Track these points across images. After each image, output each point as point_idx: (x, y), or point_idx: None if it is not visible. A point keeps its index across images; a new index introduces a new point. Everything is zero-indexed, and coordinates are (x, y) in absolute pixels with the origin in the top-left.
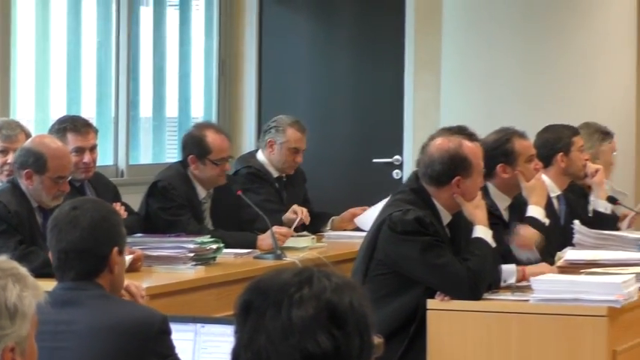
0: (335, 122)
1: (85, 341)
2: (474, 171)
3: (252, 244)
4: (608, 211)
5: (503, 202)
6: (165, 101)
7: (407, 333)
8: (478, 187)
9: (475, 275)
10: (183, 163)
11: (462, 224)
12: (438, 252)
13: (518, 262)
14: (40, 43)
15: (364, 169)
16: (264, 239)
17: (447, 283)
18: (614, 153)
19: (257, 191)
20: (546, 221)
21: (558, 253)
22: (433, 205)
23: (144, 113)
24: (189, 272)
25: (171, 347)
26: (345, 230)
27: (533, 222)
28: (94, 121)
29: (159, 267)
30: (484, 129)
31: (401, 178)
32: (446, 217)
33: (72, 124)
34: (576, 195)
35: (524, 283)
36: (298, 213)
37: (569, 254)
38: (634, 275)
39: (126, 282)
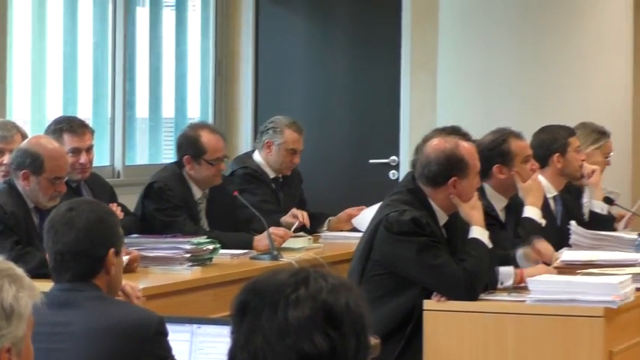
0: (331, 123)
1: (81, 343)
2: (471, 172)
3: (248, 245)
4: (605, 212)
5: (499, 203)
6: (162, 102)
7: (403, 334)
8: (474, 187)
9: (471, 276)
10: (178, 164)
11: (458, 225)
12: (435, 253)
13: (516, 265)
14: (37, 43)
15: (360, 169)
16: (261, 240)
17: (444, 283)
18: (611, 153)
19: (253, 192)
20: (543, 222)
21: (555, 254)
22: (429, 206)
23: (140, 114)
24: (186, 273)
25: (167, 349)
26: (341, 231)
27: (530, 223)
28: (90, 122)
29: (155, 268)
30: (480, 129)
31: (397, 179)
32: (442, 218)
33: (68, 125)
34: (572, 196)
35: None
36: (299, 217)
37: (565, 255)
38: (630, 276)
39: None
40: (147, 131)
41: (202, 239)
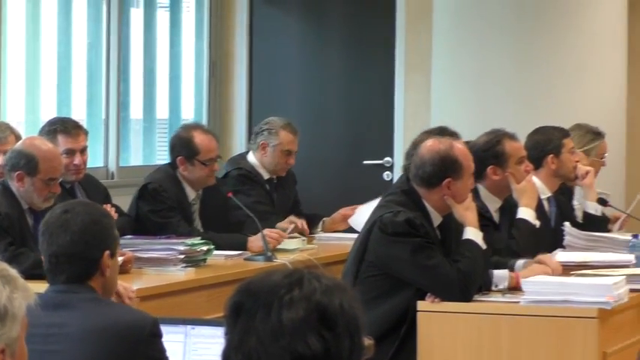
0: (325, 123)
1: (76, 344)
2: (465, 173)
3: (242, 246)
4: (599, 213)
5: (493, 204)
6: (156, 103)
7: (397, 335)
8: (469, 188)
9: (465, 277)
10: (171, 165)
11: (452, 226)
12: (429, 253)
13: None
14: (31, 44)
15: (355, 170)
16: (255, 241)
17: (438, 284)
18: (606, 154)
19: (248, 193)
20: (537, 223)
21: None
22: (424, 207)
23: (134, 115)
24: (180, 274)
25: (162, 350)
26: (336, 231)
27: (524, 224)
28: (84, 123)
29: (149, 269)
30: (475, 130)
31: (391, 180)
32: (436, 219)
33: (62, 126)
34: (567, 197)
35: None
36: (297, 225)
37: (559, 256)
38: (624, 277)
39: None
40: (141, 132)
41: (196, 240)
